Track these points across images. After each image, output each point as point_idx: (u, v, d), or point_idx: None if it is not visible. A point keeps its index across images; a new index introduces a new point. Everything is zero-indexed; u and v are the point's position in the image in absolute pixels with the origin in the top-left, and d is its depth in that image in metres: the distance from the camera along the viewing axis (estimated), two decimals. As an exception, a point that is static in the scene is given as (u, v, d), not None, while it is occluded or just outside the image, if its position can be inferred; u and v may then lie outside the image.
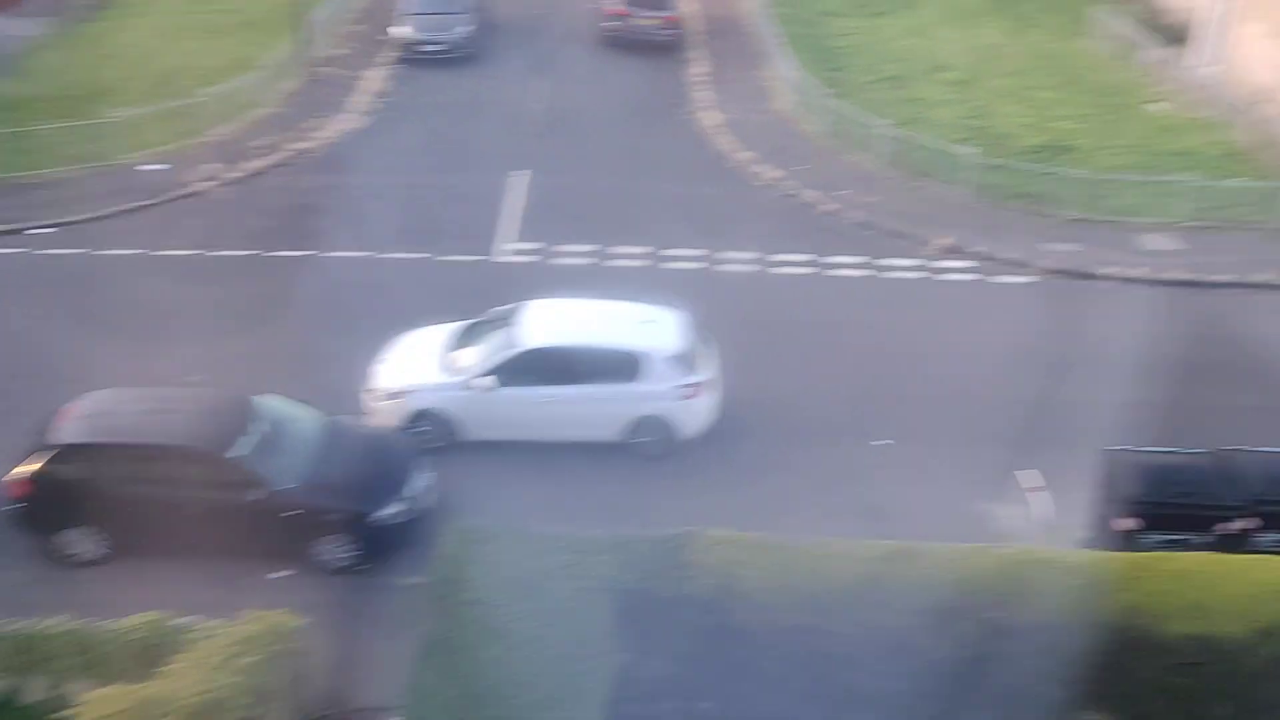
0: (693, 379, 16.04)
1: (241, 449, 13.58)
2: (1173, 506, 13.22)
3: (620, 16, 31.88)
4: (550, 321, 16.39)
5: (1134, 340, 19.35)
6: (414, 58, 30.37)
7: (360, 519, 13.70)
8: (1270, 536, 13.18)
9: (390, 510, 13.85)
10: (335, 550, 13.73)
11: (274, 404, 14.60)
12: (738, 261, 21.51)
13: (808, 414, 17.20)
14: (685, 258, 21.50)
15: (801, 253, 21.89)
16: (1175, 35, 33.23)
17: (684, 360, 16.13)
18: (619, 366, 15.93)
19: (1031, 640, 10.75)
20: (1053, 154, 26.12)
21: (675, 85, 30.04)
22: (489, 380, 15.74)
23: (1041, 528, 14.22)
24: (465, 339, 16.65)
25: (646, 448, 16.12)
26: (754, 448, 16.41)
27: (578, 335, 16.24)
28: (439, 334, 16.96)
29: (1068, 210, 23.51)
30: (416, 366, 16.32)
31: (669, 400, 15.93)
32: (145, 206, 22.40)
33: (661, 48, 31.97)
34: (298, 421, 14.54)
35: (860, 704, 10.97)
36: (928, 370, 18.29)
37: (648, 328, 16.34)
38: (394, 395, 15.94)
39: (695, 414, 16.17)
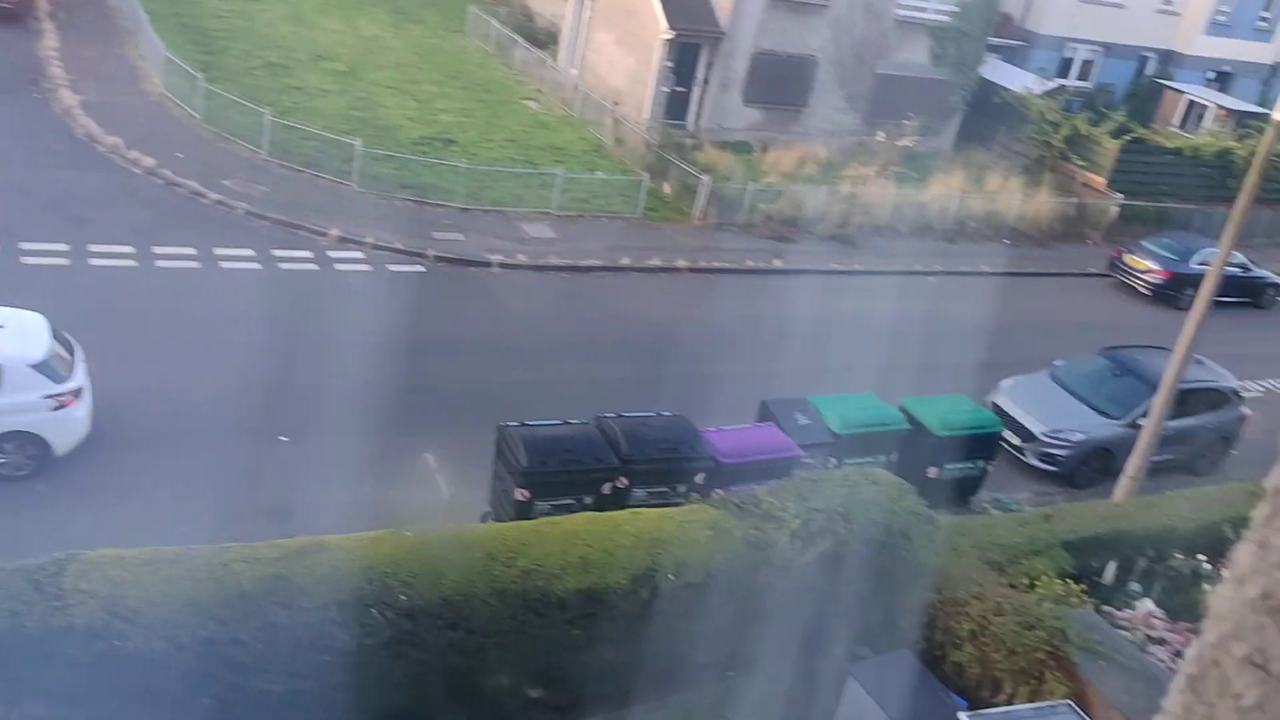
0: (64, 387, 14.35)
1: None
2: (559, 474, 14.20)
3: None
4: None
5: (518, 321, 20.65)
6: None
7: None
8: (640, 492, 14.66)
9: None
10: None
11: None
12: (113, 255, 19.67)
13: (201, 416, 16.18)
14: (47, 252, 19.23)
15: (187, 245, 20.56)
16: (544, 39, 35.91)
17: (51, 367, 14.38)
18: None
19: (441, 617, 11.01)
20: (437, 146, 27.01)
21: (23, 59, 26.79)
22: None
23: (445, 507, 14.62)
24: None
25: (13, 467, 14.20)
26: (140, 456, 15.11)
27: (-91, 344, 13.85)
28: None
29: (454, 201, 24.45)
30: None
31: (37, 412, 14.13)
32: None
33: (3, 15, 28.35)
34: None
35: (274, 709, 10.55)
36: (326, 362, 18.03)
37: (2, 332, 14.35)
38: None
39: (70, 426, 14.51)
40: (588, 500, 14.34)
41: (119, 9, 31.15)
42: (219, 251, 20.65)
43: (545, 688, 11.92)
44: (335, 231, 22.11)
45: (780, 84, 31.26)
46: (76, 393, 14.50)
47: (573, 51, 33.98)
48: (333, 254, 21.57)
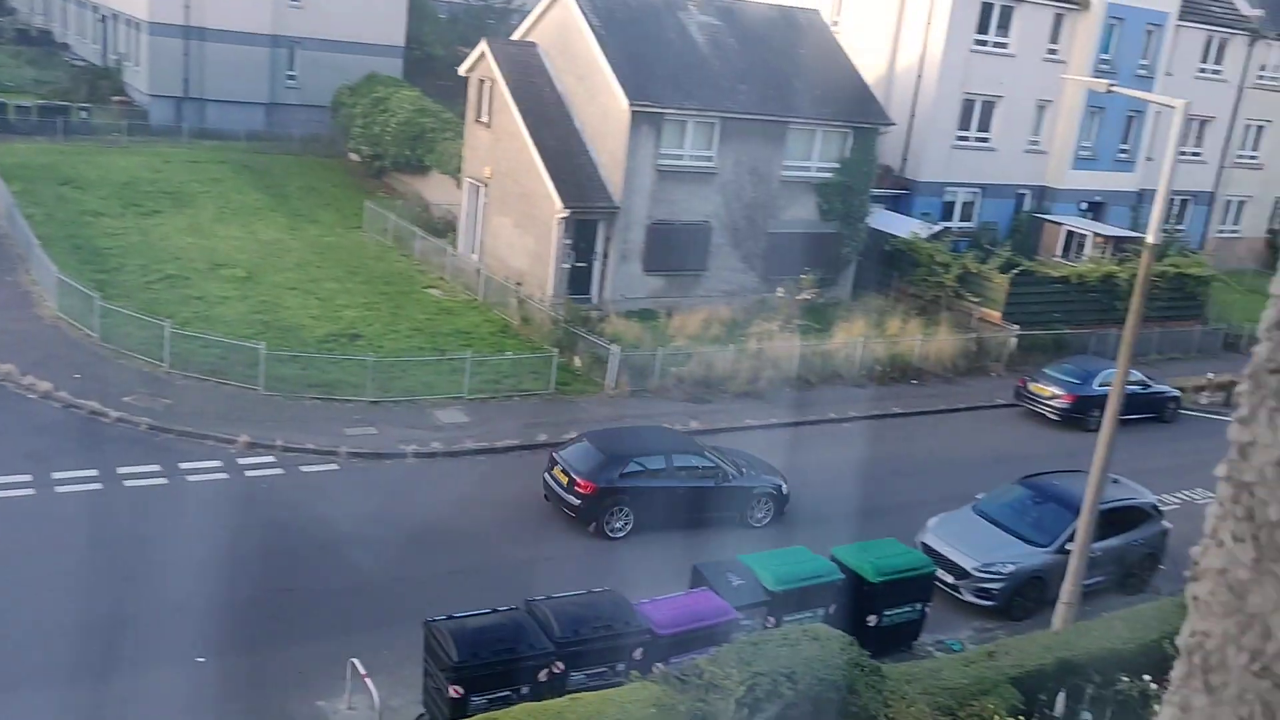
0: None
1: None
2: (492, 665, 13.66)
3: None
4: None
5: (437, 510, 20.23)
6: None
7: None
8: (578, 675, 14.15)
9: None
10: None
11: None
12: (7, 487, 18.93)
13: (119, 637, 15.34)
14: (-61, 489, 18.47)
15: (89, 467, 19.87)
16: (442, 227, 36.48)
17: None
18: None
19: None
20: (343, 342, 26.91)
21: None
22: None
23: (377, 713, 13.92)
24: None
25: None
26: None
27: None
28: None
29: (363, 395, 24.21)
30: None
31: None
32: None
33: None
34: None
35: None
36: (239, 574, 17.33)
37: None
38: None
39: None
40: (524, 690, 13.79)
41: (9, 235, 30.97)
42: (122, 470, 20.01)
43: None
44: (244, 438, 21.64)
45: (678, 250, 31.99)
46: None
47: (472, 237, 34.50)
48: (243, 461, 21.05)
